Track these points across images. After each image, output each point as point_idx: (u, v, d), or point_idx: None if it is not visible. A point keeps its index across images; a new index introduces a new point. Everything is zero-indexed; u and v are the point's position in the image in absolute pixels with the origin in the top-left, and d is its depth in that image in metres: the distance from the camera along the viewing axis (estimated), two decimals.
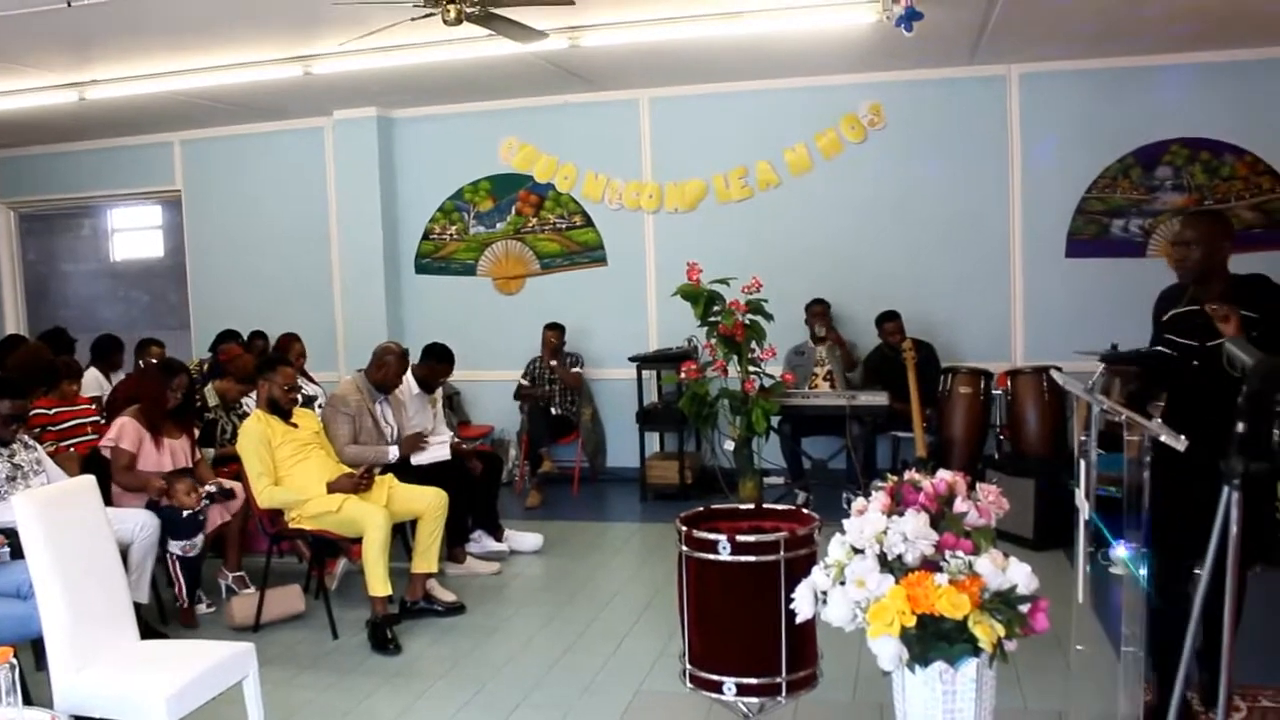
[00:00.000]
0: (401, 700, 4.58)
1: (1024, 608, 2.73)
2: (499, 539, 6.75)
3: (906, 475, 3.20)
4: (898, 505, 3.08)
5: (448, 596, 5.73)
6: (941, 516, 3.04)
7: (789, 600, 3.09)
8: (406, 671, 4.92)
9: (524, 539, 6.82)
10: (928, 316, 8.12)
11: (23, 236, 10.94)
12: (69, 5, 5.41)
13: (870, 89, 8.30)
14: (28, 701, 3.23)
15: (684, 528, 3.50)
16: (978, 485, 3.17)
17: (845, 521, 3.04)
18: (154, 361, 7.32)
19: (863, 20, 6.39)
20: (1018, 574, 2.77)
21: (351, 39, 6.15)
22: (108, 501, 4.78)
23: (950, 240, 8.22)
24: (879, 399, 7.18)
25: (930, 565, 2.85)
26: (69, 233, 11.34)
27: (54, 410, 6.31)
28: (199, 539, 5.58)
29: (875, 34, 6.70)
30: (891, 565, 2.86)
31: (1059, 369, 6.79)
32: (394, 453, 6.20)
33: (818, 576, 2.99)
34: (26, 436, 5.23)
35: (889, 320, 7.81)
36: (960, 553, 2.83)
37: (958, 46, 7.38)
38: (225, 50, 6.91)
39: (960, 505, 3.05)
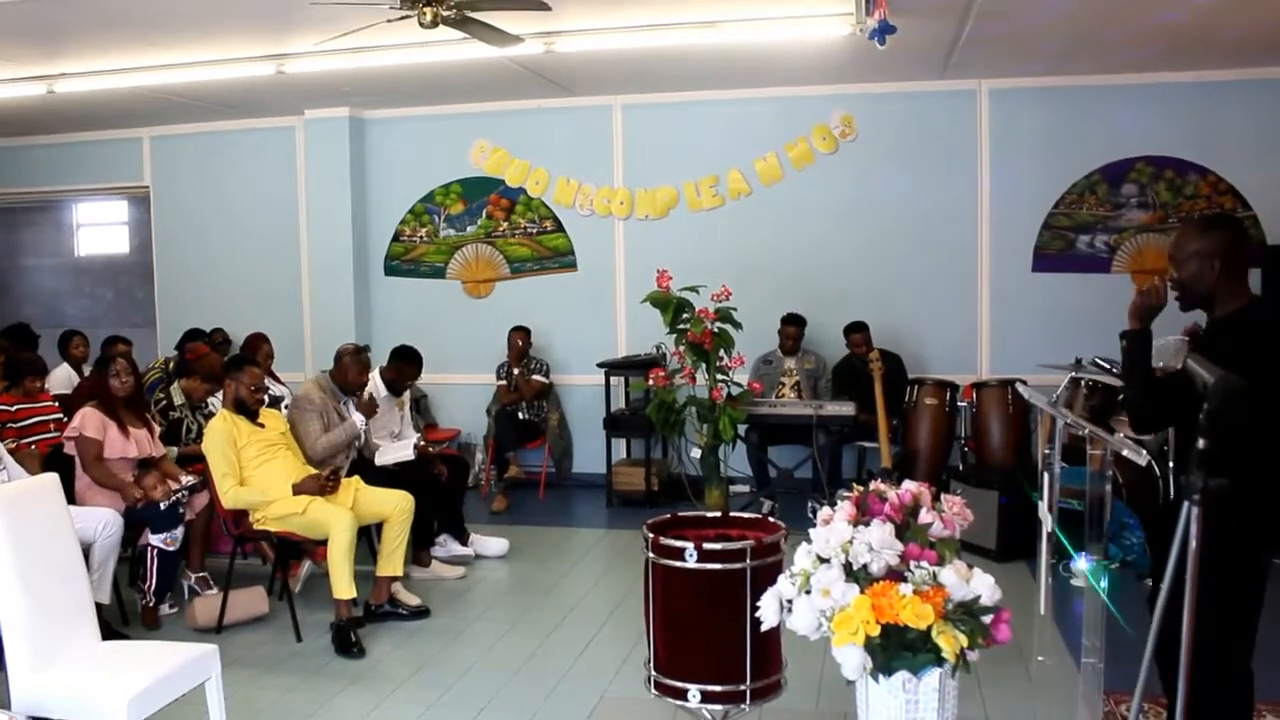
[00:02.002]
0: (365, 703, 4.57)
1: (987, 618, 2.77)
2: (464, 543, 6.73)
3: (872, 485, 3.23)
4: (863, 515, 3.11)
5: (412, 600, 5.72)
6: (906, 527, 3.07)
7: (754, 608, 3.11)
8: (370, 675, 4.91)
9: (489, 543, 6.82)
10: (895, 328, 8.18)
11: None
12: None
13: (842, 100, 8.36)
14: None
15: (651, 534, 3.52)
16: (942, 496, 3.21)
17: (811, 531, 3.07)
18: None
19: (836, 33, 6.44)
20: (981, 585, 2.80)
21: (326, 39, 6.13)
22: (71, 500, 4.75)
23: (918, 252, 8.28)
24: (846, 409, 7.22)
25: (895, 575, 2.88)
26: (32, 226, 11.23)
27: (15, 407, 6.25)
28: (179, 531, 5.54)
29: (848, 46, 6.75)
30: (857, 575, 2.89)
31: (1024, 382, 6.87)
32: (360, 419, 6.18)
33: (783, 585, 3.01)
34: None
35: (856, 331, 7.85)
36: (925, 563, 2.87)
37: (929, 61, 7.44)
38: (198, 46, 6.87)
39: (925, 516, 3.08)
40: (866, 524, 3.03)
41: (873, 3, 5.70)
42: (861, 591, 2.80)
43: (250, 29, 6.53)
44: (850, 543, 2.93)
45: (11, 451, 5.41)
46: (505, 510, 8.05)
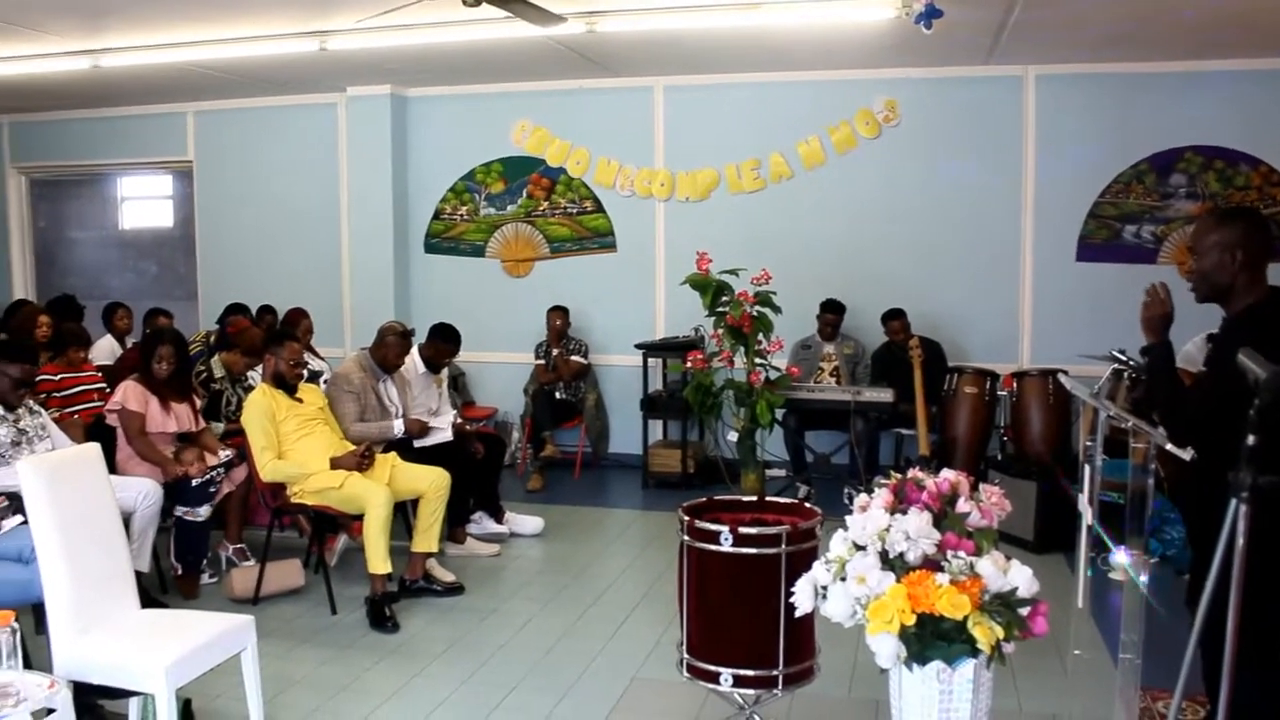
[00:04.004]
0: (398, 677, 4.60)
1: (1024, 611, 2.75)
2: (500, 521, 6.76)
3: (910, 473, 3.20)
4: (900, 503, 3.09)
5: (447, 577, 5.75)
6: (944, 516, 3.05)
7: (789, 594, 3.10)
8: (404, 650, 4.94)
9: (525, 522, 6.84)
10: (935, 315, 8.12)
11: (34, 202, 10.93)
12: None
13: (886, 85, 8.28)
14: (28, 665, 3.26)
15: (686, 517, 3.51)
16: (981, 486, 3.18)
17: (848, 518, 3.05)
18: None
19: (881, 16, 6.37)
20: (1019, 577, 2.78)
21: (369, 16, 6.13)
22: (112, 469, 4.80)
23: (961, 239, 8.21)
24: (884, 395, 7.18)
25: (931, 564, 2.86)
26: (78, 200, 11.34)
27: (60, 376, 6.34)
28: (204, 508, 5.60)
29: (893, 30, 6.68)
30: (893, 563, 2.87)
31: (1065, 372, 6.80)
32: (399, 426, 6.21)
33: (818, 571, 3.00)
34: (32, 402, 5.25)
35: (895, 318, 7.80)
36: (962, 553, 2.84)
37: (976, 46, 7.36)
38: (242, 22, 6.89)
39: (963, 505, 3.05)
40: (904, 512, 3.00)
41: None
42: (897, 580, 2.78)
43: (294, 5, 6.54)
44: (887, 530, 2.90)
45: (56, 421, 5.48)
46: (541, 489, 8.07)
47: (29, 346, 5.87)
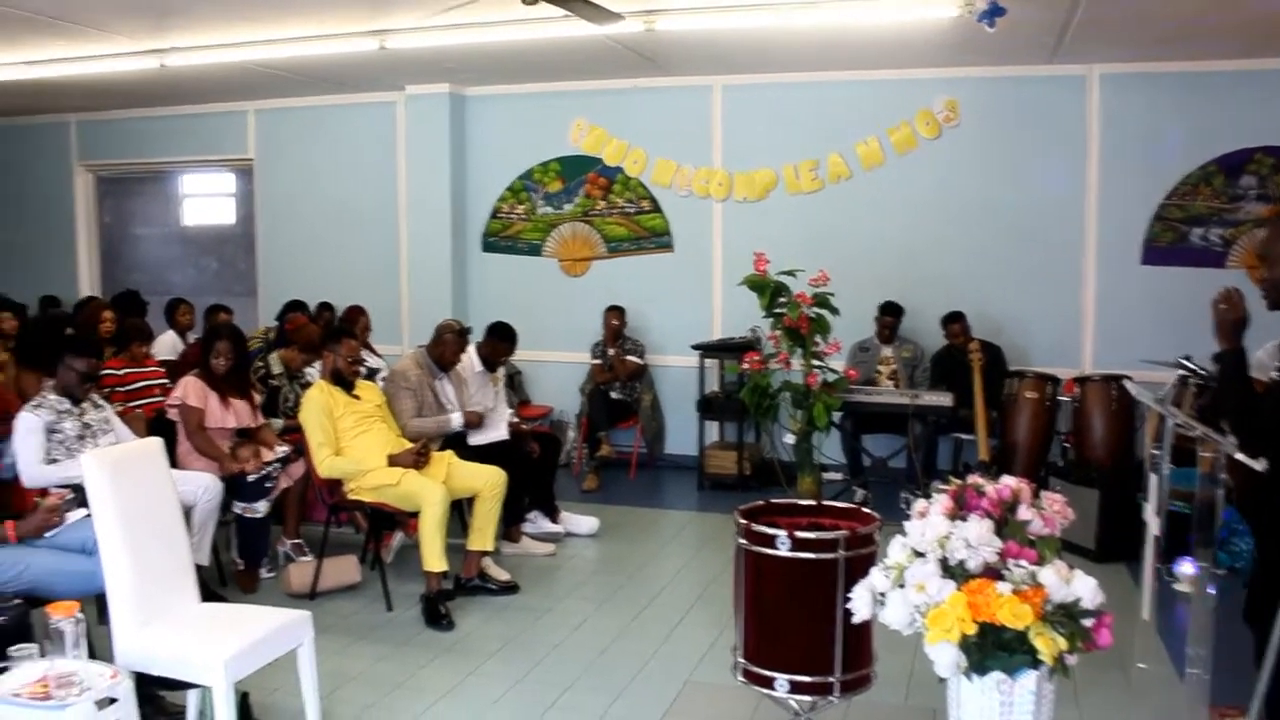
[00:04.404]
0: (453, 675, 4.62)
1: (1087, 622, 2.69)
2: (555, 520, 6.76)
3: (970, 479, 3.15)
4: (960, 509, 3.04)
5: (502, 575, 5.76)
6: (1004, 523, 3.00)
7: (846, 600, 3.06)
8: (459, 648, 4.96)
9: (580, 522, 6.84)
10: (995, 318, 8.01)
11: (100, 199, 11.12)
12: None
13: (946, 84, 8.19)
14: (92, 655, 3.30)
15: (743, 521, 3.48)
16: (1042, 493, 3.12)
17: (907, 524, 3.01)
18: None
19: (944, 14, 6.29)
20: (1082, 587, 2.72)
21: (429, 15, 6.15)
22: (173, 463, 4.86)
23: (1022, 241, 8.09)
24: (943, 399, 7.09)
25: (992, 573, 2.81)
26: (141, 196, 11.52)
27: (123, 371, 6.43)
28: (261, 504, 5.66)
29: (955, 29, 6.60)
30: (953, 570, 2.82)
31: (1129, 378, 6.67)
32: (458, 418, 6.23)
33: (877, 578, 2.95)
34: (97, 396, 5.33)
35: (955, 321, 7.71)
36: (1024, 562, 2.79)
37: (1038, 44, 7.25)
38: (302, 22, 6.95)
39: (1024, 513, 3.00)
40: (964, 518, 2.96)
41: None
42: (958, 588, 2.74)
43: (354, 5, 6.58)
44: (947, 537, 2.86)
45: (119, 415, 5.55)
46: (596, 489, 8.07)
47: (94, 341, 5.97)
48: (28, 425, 4.94)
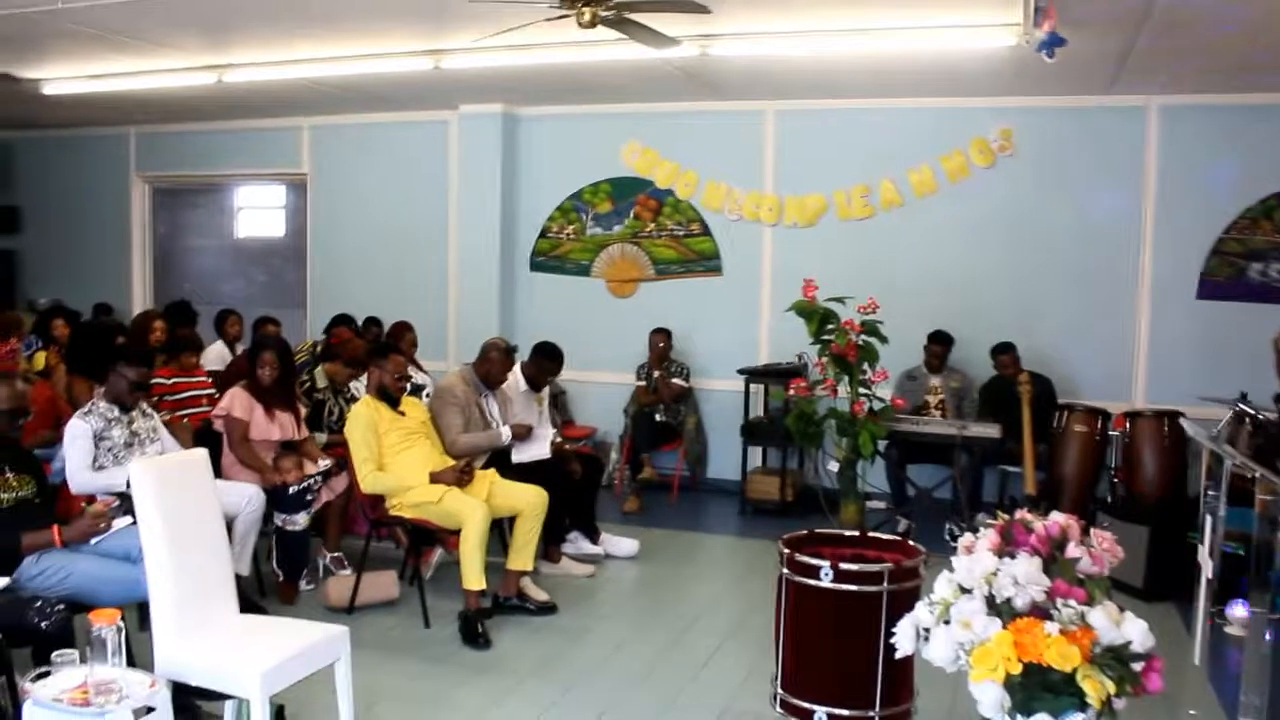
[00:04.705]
0: (488, 695, 4.60)
1: (1137, 666, 2.63)
2: (595, 542, 6.74)
3: (1018, 514, 3.10)
4: (1008, 545, 2.99)
5: (540, 596, 5.74)
6: (1053, 560, 2.94)
7: (889, 633, 3.01)
8: (495, 667, 4.94)
9: (620, 544, 6.81)
10: (1045, 350, 7.91)
11: (155, 209, 11.26)
12: None
13: (1001, 113, 8.12)
14: (130, 663, 3.32)
15: (786, 550, 3.44)
16: (1092, 531, 3.06)
17: (953, 558, 2.96)
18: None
19: (1001, 44, 6.24)
20: (1133, 630, 2.66)
21: (483, 36, 6.19)
22: (218, 473, 4.88)
23: (1075, 273, 8.00)
24: (990, 431, 7.00)
25: (1039, 612, 2.75)
26: (196, 208, 11.67)
27: (172, 380, 6.48)
28: (301, 516, 5.68)
29: (1011, 57, 6.55)
30: (999, 608, 2.77)
31: (1181, 414, 6.57)
32: (507, 433, 6.23)
33: (921, 613, 2.91)
34: (145, 405, 5.38)
35: (1004, 352, 7.62)
36: (1073, 602, 2.73)
37: (1096, 74, 7.18)
38: (359, 40, 7.02)
39: (1073, 550, 2.94)
40: (1011, 554, 2.91)
41: (1041, 13, 5.51)
42: (1004, 626, 2.69)
43: (410, 24, 6.64)
44: (995, 574, 2.81)
45: (166, 423, 5.60)
46: (637, 511, 8.04)
47: (145, 351, 6.03)
48: (77, 431, 5.00)
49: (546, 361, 6.70)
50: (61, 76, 8.10)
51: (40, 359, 7.47)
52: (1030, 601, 2.76)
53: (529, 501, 5.64)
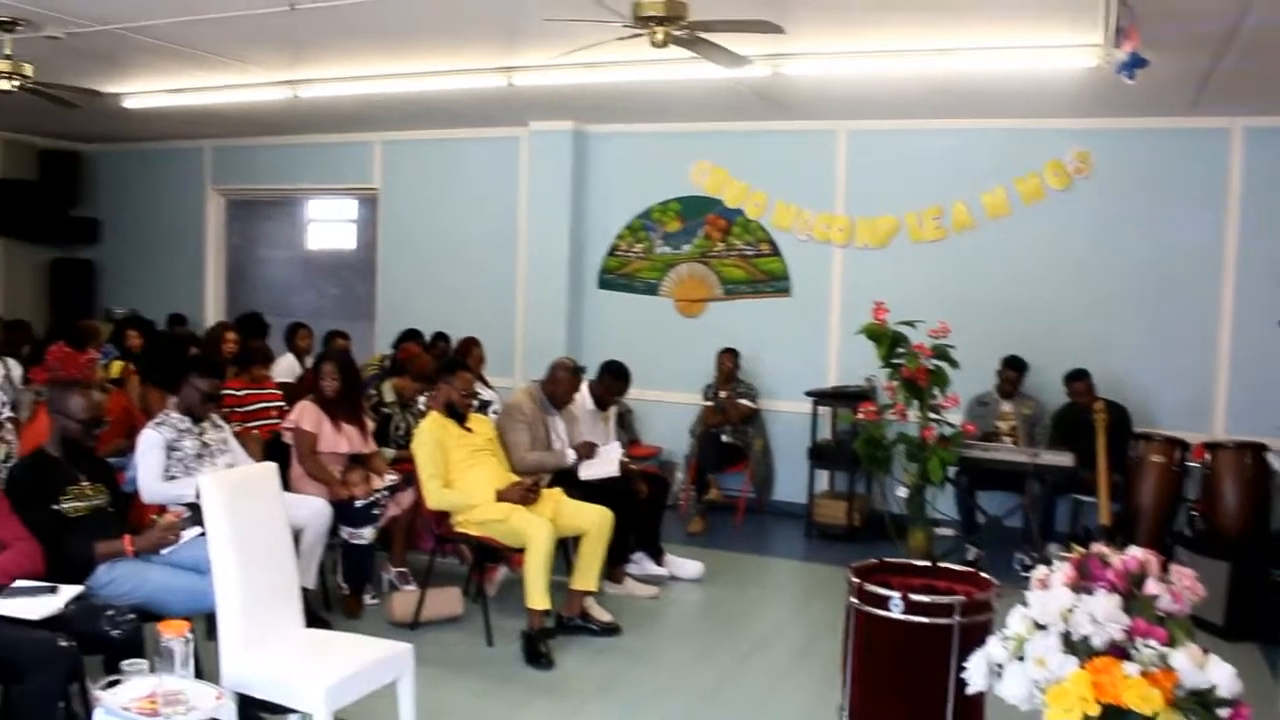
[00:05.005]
0: (552, 716, 4.59)
1: (1223, 712, 2.53)
2: (660, 563, 6.70)
3: (1094, 548, 3.01)
4: (1083, 579, 2.90)
5: (604, 616, 5.71)
6: (1130, 597, 2.85)
7: (960, 668, 2.94)
8: (558, 687, 4.91)
9: (685, 566, 6.76)
10: (1121, 378, 7.73)
11: (229, 221, 11.45)
12: (291, 8, 5.61)
13: (1078, 135, 7.99)
14: (198, 673, 3.35)
15: (856, 579, 3.38)
16: (1171, 566, 2.96)
17: (1028, 593, 2.88)
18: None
19: (1080, 65, 6.14)
20: (1219, 674, 2.56)
21: (556, 54, 6.21)
22: (286, 486, 4.92)
23: (1153, 298, 7.83)
24: (1064, 459, 6.84)
25: (1118, 651, 2.67)
26: (269, 220, 11.82)
27: (243, 392, 6.56)
28: (367, 530, 5.70)
29: (1089, 78, 6.43)
30: (1076, 646, 2.69)
31: (1266, 447, 6.39)
32: (571, 455, 6.23)
33: (994, 648, 2.83)
34: (216, 416, 5.44)
35: (1078, 379, 7.46)
36: (1153, 642, 2.64)
37: (1178, 95, 7.03)
38: (432, 57, 7.07)
39: (1152, 587, 2.85)
40: (1086, 589, 2.82)
41: (1123, 34, 5.39)
42: (1081, 665, 2.60)
43: (482, 41, 6.68)
44: (1071, 611, 2.72)
45: (236, 435, 5.66)
46: (702, 533, 7.99)
47: (218, 362, 6.11)
48: (150, 442, 5.07)
49: (614, 380, 6.70)
50: (142, 91, 8.28)
51: (116, 368, 7.60)
52: (1109, 640, 2.67)
53: (594, 521, 5.61)
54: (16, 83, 6.30)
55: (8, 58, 6.25)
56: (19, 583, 3.80)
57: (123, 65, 7.39)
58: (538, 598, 5.23)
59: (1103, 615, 2.69)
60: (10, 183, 10.93)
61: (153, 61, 7.26)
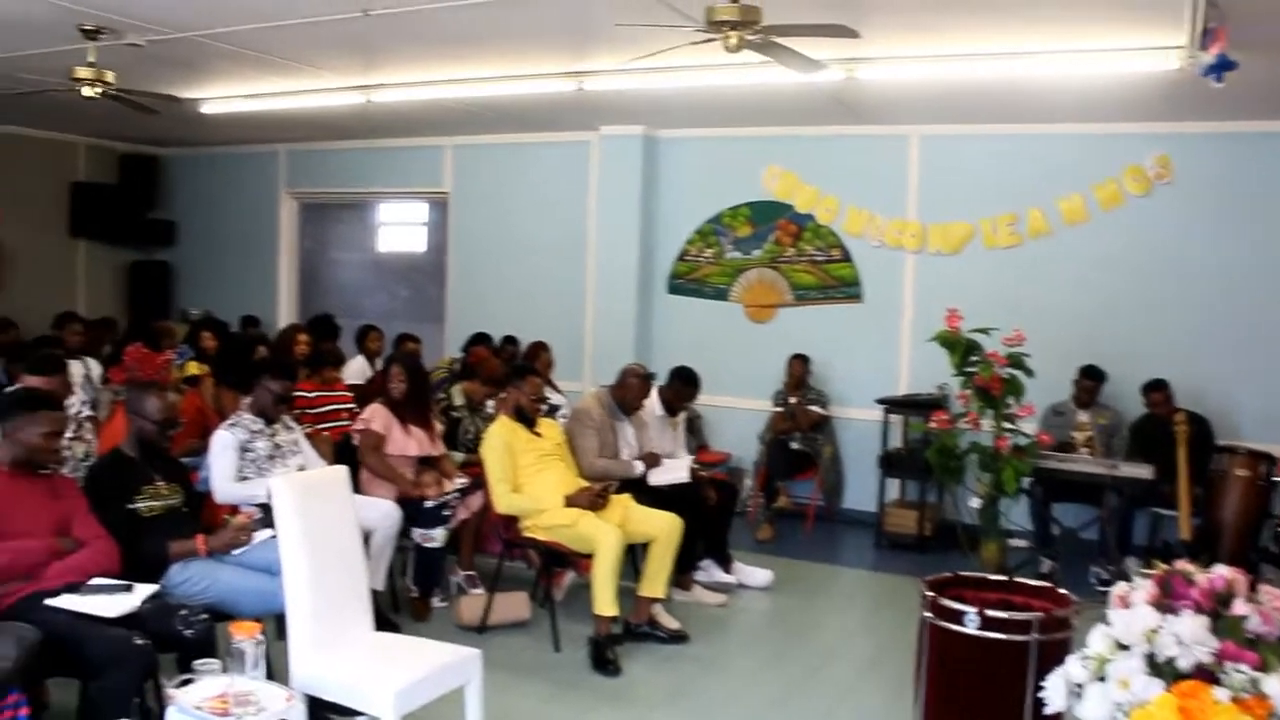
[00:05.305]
0: None
1: None
2: (728, 570, 6.65)
3: (1177, 565, 2.92)
4: (1166, 598, 2.82)
5: (672, 624, 5.67)
6: (1217, 617, 2.76)
7: (1038, 687, 2.87)
8: (625, 695, 4.89)
9: (753, 574, 6.70)
10: (1202, 388, 7.53)
11: (301, 224, 11.59)
12: (365, 14, 5.65)
13: (1159, 139, 7.80)
14: (269, 673, 3.37)
15: (930, 593, 3.32)
16: (1260, 586, 2.86)
17: (1109, 612, 2.80)
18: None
19: (1164, 68, 5.99)
20: None
21: (628, 59, 6.19)
22: (356, 488, 4.94)
23: (1237, 307, 7.63)
24: (1142, 471, 6.68)
25: (1205, 674, 2.58)
26: (341, 223, 11.96)
27: (315, 394, 6.61)
28: (438, 531, 5.71)
29: (1170, 81, 6.27)
30: (1161, 668, 2.61)
31: None
32: (640, 467, 6.21)
33: (1074, 667, 2.76)
34: (288, 418, 5.49)
35: (1157, 389, 7.28)
36: (1244, 666, 2.55)
37: (1265, 99, 6.83)
38: (504, 62, 7.09)
39: (1240, 607, 2.75)
40: (1169, 607, 2.74)
41: (1210, 36, 5.25)
42: (1166, 688, 2.52)
43: (554, 47, 6.68)
44: (1156, 632, 2.64)
45: (307, 436, 5.71)
46: (771, 540, 7.92)
47: (290, 365, 6.17)
48: (223, 442, 5.13)
49: (684, 386, 6.66)
50: (219, 96, 8.41)
51: (192, 367, 7.71)
52: (1195, 663, 2.59)
53: (663, 528, 5.58)
54: (99, 89, 6.42)
55: (91, 65, 6.37)
56: (96, 580, 3.86)
57: (201, 71, 7.51)
58: (605, 604, 5.21)
59: (1189, 637, 2.61)
60: (92, 186, 11.17)
61: (230, 68, 7.37)
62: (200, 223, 11.74)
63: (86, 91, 6.40)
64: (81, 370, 6.93)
